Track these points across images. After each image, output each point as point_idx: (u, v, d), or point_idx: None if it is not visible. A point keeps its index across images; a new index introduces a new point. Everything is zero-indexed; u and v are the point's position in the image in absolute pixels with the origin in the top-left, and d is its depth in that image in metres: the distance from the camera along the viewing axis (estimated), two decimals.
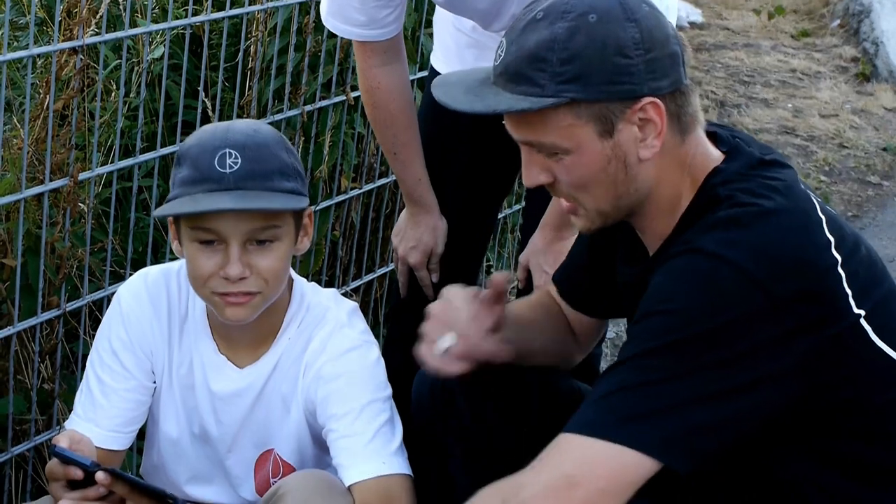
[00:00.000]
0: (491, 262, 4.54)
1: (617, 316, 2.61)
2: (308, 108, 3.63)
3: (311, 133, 3.69)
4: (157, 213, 2.42)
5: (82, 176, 3.01)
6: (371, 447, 2.38)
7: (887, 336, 2.11)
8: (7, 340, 3.00)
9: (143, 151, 3.20)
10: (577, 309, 2.57)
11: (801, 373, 2.02)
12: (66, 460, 2.26)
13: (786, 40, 8.78)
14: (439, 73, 3.23)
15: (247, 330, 2.47)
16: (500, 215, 4.04)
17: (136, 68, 3.36)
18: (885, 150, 6.93)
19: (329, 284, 3.85)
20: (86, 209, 3.09)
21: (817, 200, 2.17)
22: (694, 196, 2.15)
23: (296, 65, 3.61)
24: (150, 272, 2.57)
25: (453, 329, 2.37)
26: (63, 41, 2.96)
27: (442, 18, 3.19)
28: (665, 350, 2.01)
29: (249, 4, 3.44)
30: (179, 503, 2.29)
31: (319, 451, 2.53)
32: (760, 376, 2.00)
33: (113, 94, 3.30)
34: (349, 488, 2.35)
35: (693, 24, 8.72)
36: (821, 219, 2.11)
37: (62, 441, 2.29)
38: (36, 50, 2.88)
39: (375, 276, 4.04)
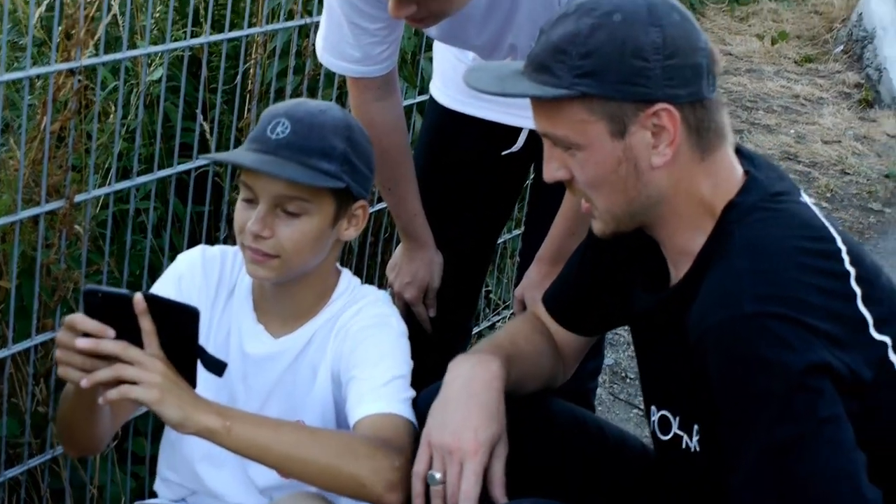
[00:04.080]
0: (490, 288, 4.53)
1: (605, 331, 2.64)
2: None
3: None
4: (206, 157, 2.78)
5: (79, 198, 3.00)
6: (383, 391, 2.42)
7: None
8: (1, 363, 2.98)
9: (140, 173, 3.18)
10: (567, 327, 2.57)
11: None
12: (102, 299, 2.20)
13: (789, 66, 8.79)
14: (438, 102, 3.22)
15: (284, 303, 2.57)
16: (499, 240, 4.02)
17: (134, 90, 3.35)
18: (887, 176, 6.93)
19: None
20: (82, 231, 3.08)
21: (832, 225, 2.16)
22: (713, 230, 2.15)
23: (295, 88, 3.61)
24: (211, 247, 2.68)
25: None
26: (61, 62, 2.95)
27: (442, 47, 3.18)
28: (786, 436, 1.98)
29: (249, 27, 3.43)
30: (209, 359, 2.28)
31: (345, 422, 2.53)
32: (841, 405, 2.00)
33: (111, 116, 3.29)
34: (354, 425, 2.38)
35: None
36: (840, 248, 2.09)
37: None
38: (33, 71, 2.87)
39: None
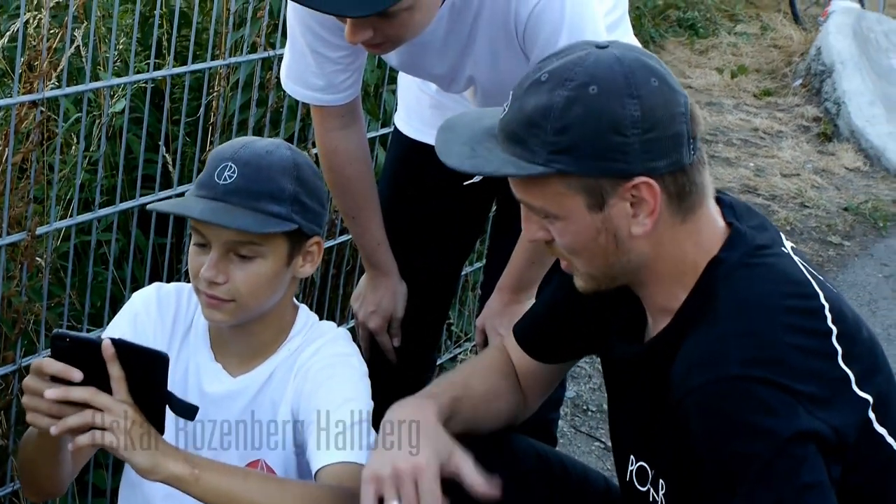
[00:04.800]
0: (451, 321, 4.53)
1: (577, 360, 2.62)
2: None
3: None
4: (156, 207, 2.53)
5: (40, 230, 2.99)
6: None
7: (890, 425, 2.11)
8: None
9: (102, 205, 3.17)
10: (538, 358, 2.53)
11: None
12: (70, 343, 2.19)
13: (748, 99, 8.84)
14: (402, 133, 3.22)
15: (241, 342, 2.54)
16: (462, 272, 4.03)
17: (96, 121, 3.34)
18: (846, 209, 6.97)
19: None
20: (43, 263, 3.06)
21: (814, 277, 2.15)
22: (695, 286, 2.13)
23: (257, 120, 3.60)
24: (166, 285, 2.66)
25: None
26: (23, 93, 2.94)
27: (406, 79, 3.18)
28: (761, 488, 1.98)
29: (212, 59, 3.43)
30: (179, 404, 2.26)
31: (305, 461, 2.51)
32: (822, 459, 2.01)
33: (73, 148, 3.28)
34: (317, 473, 2.36)
35: None
36: (822, 305, 2.09)
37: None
38: None
39: None
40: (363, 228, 3.14)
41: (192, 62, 3.37)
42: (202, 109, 3.50)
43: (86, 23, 3.15)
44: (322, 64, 2.86)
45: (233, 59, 3.49)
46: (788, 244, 2.22)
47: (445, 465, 2.23)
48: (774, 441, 1.96)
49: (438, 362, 4.32)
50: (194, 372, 2.57)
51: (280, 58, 3.55)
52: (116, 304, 3.36)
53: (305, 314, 2.61)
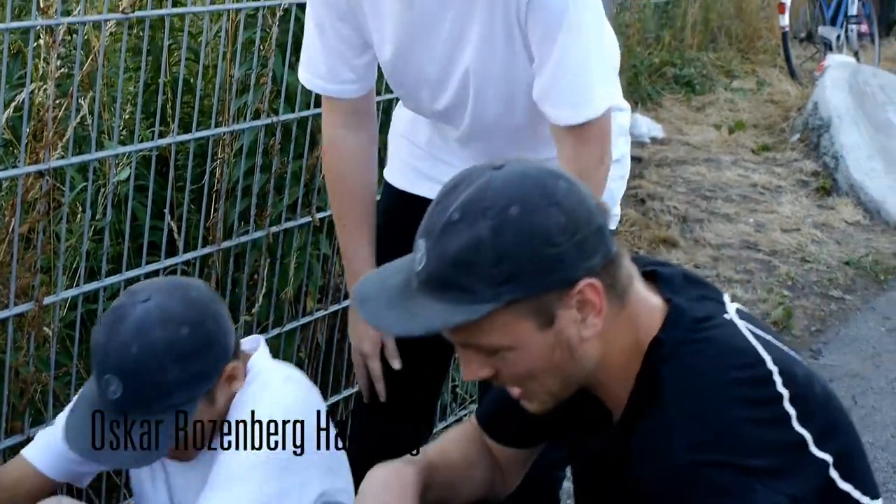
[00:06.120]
0: (456, 382, 4.52)
1: (541, 444, 2.51)
2: (274, 229, 3.64)
3: (276, 254, 3.69)
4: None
5: (47, 300, 2.99)
6: None
7: (857, 480, 2.09)
8: None
9: (108, 274, 3.18)
10: (505, 444, 2.47)
11: None
12: None
13: (746, 155, 8.86)
14: (393, 187, 3.19)
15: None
16: None
17: (101, 190, 3.35)
18: (847, 264, 6.97)
19: None
20: (51, 333, 3.07)
21: (759, 341, 2.12)
22: (640, 372, 2.09)
23: (261, 186, 3.62)
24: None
25: None
26: (30, 163, 2.95)
27: (396, 133, 3.18)
28: None
29: (216, 126, 3.44)
30: None
31: None
32: None
33: (79, 217, 3.29)
34: None
35: (654, 140, 8.79)
36: (770, 371, 2.06)
37: None
38: (2, 174, 2.88)
39: (341, 397, 4.02)
40: (348, 238, 3.07)
41: (196, 129, 3.39)
42: (206, 176, 3.52)
43: (91, 92, 3.17)
44: (328, 50, 2.87)
45: (236, 126, 3.50)
46: (733, 308, 2.18)
47: None
48: None
49: (443, 425, 4.30)
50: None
51: (283, 124, 3.57)
52: None
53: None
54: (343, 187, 3.01)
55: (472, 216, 1.96)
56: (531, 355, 2.02)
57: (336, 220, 3.10)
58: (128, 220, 3.27)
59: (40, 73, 3.07)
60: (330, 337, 3.94)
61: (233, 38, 3.51)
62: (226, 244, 3.54)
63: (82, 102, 3.11)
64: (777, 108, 9.84)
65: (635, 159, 7.73)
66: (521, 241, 1.94)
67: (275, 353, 3.64)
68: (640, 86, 9.55)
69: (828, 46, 10.93)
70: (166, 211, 3.39)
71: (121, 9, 3.08)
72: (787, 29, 10.68)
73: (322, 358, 3.93)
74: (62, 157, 3.01)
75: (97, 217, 3.34)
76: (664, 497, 1.98)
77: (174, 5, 3.59)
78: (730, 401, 2.00)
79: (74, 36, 3.27)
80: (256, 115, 3.57)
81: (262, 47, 3.56)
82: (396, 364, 3.12)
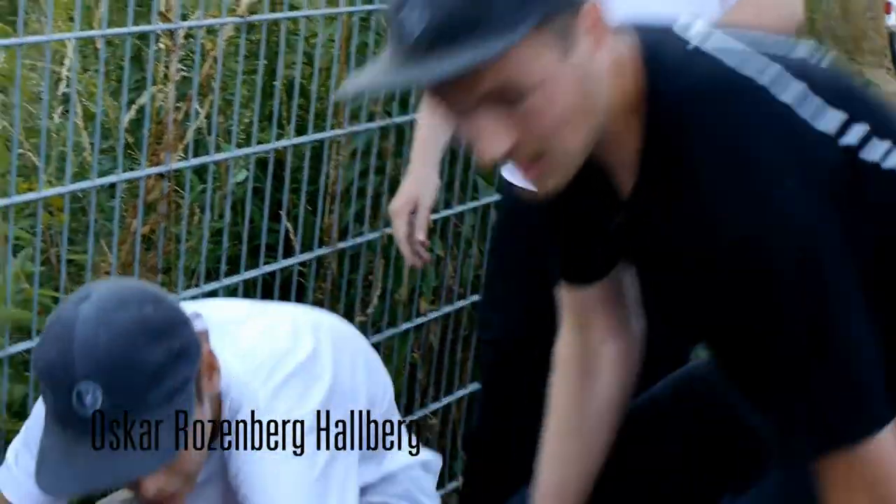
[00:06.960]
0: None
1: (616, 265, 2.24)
2: (388, 230, 3.65)
3: (390, 256, 3.71)
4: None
5: None
6: None
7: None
8: None
9: (226, 275, 3.23)
10: (588, 280, 2.23)
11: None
12: None
13: None
14: (509, 182, 3.16)
15: None
16: None
17: (219, 192, 3.39)
18: None
19: (407, 407, 3.85)
20: None
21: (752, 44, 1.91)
22: (646, 127, 1.86)
23: (376, 188, 3.64)
24: None
25: None
26: (150, 166, 3.00)
27: None
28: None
29: (331, 129, 3.47)
30: None
31: None
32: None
33: (197, 218, 3.34)
34: None
35: None
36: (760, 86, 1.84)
37: None
38: (125, 175, 2.93)
39: (454, 398, 4.03)
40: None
41: (312, 132, 3.42)
42: (322, 178, 3.55)
43: (209, 95, 3.21)
44: None
45: (351, 129, 3.52)
46: (695, 27, 1.94)
47: None
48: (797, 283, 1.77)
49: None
50: None
51: (396, 126, 3.59)
52: None
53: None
54: None
55: None
56: (563, 92, 1.75)
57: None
58: (245, 221, 3.31)
59: (162, 74, 3.11)
60: (443, 337, 3.96)
61: (346, 41, 3.53)
62: (341, 245, 3.56)
63: (198, 107, 3.15)
64: None
65: None
66: None
67: (389, 354, 3.68)
68: None
69: None
70: (282, 212, 3.42)
71: (237, 12, 3.12)
72: (894, 29, 10.57)
73: (435, 358, 3.94)
74: (182, 160, 3.05)
75: (215, 219, 3.38)
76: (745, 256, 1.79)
77: (289, 9, 3.63)
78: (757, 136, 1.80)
79: (191, 40, 3.31)
80: (371, 118, 3.59)
81: (375, 50, 3.58)
82: (421, 235, 3.14)
